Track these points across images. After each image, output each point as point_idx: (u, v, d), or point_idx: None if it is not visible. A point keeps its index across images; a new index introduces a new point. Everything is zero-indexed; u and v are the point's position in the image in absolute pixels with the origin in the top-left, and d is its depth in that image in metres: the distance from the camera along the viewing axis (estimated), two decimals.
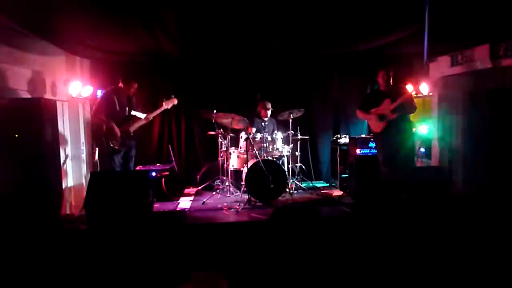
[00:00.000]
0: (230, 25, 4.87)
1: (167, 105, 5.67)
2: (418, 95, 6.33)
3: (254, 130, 6.39)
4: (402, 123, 5.09)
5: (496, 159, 4.61)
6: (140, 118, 5.52)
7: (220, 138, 6.28)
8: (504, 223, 4.07)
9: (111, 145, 5.26)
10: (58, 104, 4.98)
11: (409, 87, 5.87)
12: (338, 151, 6.66)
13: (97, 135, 5.73)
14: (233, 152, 6.20)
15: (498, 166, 4.58)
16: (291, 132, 6.23)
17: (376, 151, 5.58)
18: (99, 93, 6.06)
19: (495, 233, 3.93)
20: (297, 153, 6.59)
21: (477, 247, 3.78)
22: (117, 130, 5.17)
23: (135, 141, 5.57)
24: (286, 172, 5.90)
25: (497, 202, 4.41)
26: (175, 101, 5.75)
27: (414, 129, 5.62)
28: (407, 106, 5.03)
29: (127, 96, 5.44)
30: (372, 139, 5.95)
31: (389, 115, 4.98)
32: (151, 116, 5.63)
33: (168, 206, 5.69)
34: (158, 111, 5.70)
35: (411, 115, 5.27)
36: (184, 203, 5.90)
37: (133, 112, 5.48)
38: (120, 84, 5.40)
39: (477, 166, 4.93)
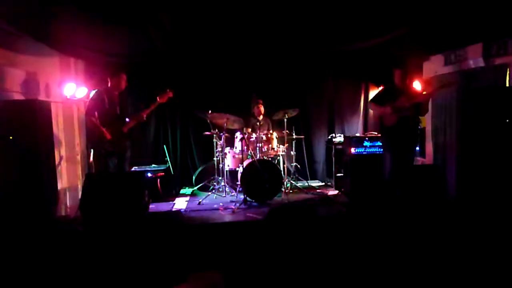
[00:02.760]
0: (226, 24, 4.88)
1: (162, 99, 5.55)
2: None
3: (249, 130, 6.40)
4: (413, 122, 5.11)
5: (489, 157, 4.64)
6: (135, 117, 5.44)
7: (215, 138, 6.28)
8: (498, 223, 4.10)
9: (104, 148, 5.19)
10: (53, 106, 4.96)
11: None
12: (333, 150, 6.68)
13: (91, 136, 5.69)
14: (229, 152, 6.20)
15: (492, 164, 4.61)
16: (286, 131, 6.25)
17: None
18: (90, 94, 6.02)
19: (489, 233, 3.95)
20: (292, 153, 6.61)
21: (471, 246, 3.80)
22: (106, 133, 5.07)
23: (130, 141, 5.49)
24: (282, 172, 5.91)
25: (491, 202, 4.44)
26: (170, 94, 5.59)
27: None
28: (423, 107, 5.05)
29: (119, 93, 5.33)
30: (367, 138, 5.98)
31: (406, 111, 4.98)
32: (146, 113, 5.51)
33: (163, 206, 5.70)
34: (153, 107, 5.59)
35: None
36: (180, 203, 5.90)
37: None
38: (109, 83, 5.30)
39: (470, 164, 4.97)
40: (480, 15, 4.41)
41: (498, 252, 3.65)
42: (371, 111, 7.37)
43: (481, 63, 5.07)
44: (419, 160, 6.39)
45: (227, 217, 5.04)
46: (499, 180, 4.50)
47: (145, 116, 5.42)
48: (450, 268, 3.50)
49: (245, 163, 5.73)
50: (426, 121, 6.26)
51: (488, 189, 4.56)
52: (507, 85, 4.85)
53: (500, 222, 4.09)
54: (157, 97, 5.47)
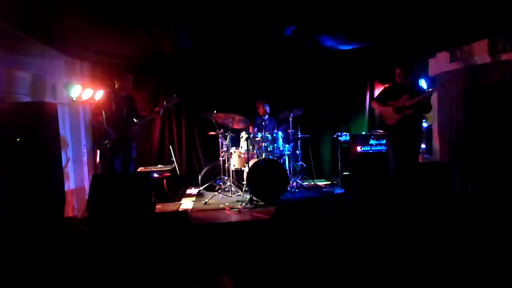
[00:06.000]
0: (231, 24, 4.88)
1: (168, 103, 5.58)
2: None
3: (255, 129, 6.40)
4: (416, 120, 5.09)
5: (496, 153, 4.61)
6: (150, 114, 5.52)
7: (221, 138, 6.28)
8: (506, 220, 4.07)
9: (109, 148, 5.21)
10: (59, 108, 4.98)
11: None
12: (339, 149, 6.66)
13: (97, 137, 5.72)
14: (234, 152, 6.20)
15: (499, 160, 4.58)
16: (291, 130, 6.24)
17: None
18: (98, 95, 6.06)
19: (497, 229, 3.92)
20: (298, 152, 6.60)
21: (478, 244, 3.77)
22: (112, 133, 5.10)
23: (135, 142, 5.53)
24: (288, 171, 5.90)
25: (499, 198, 4.41)
26: (177, 100, 5.63)
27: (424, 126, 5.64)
28: (425, 105, 5.02)
29: (126, 95, 5.37)
30: (373, 136, 5.97)
31: (407, 110, 4.97)
32: (161, 110, 5.53)
33: (170, 207, 5.70)
34: (163, 108, 5.57)
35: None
36: (186, 203, 5.91)
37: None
38: (116, 85, 5.34)
39: (477, 161, 4.94)
40: (485, 11, 4.38)
41: (507, 248, 3.62)
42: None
43: (487, 59, 5.04)
44: (426, 157, 6.35)
45: (234, 217, 5.04)
46: (506, 176, 4.47)
47: (161, 111, 5.53)
48: (458, 266, 3.48)
49: (251, 162, 5.72)
50: (433, 118, 6.23)
51: (496, 185, 4.53)
52: None
53: (508, 219, 4.06)
54: (164, 101, 5.50)
